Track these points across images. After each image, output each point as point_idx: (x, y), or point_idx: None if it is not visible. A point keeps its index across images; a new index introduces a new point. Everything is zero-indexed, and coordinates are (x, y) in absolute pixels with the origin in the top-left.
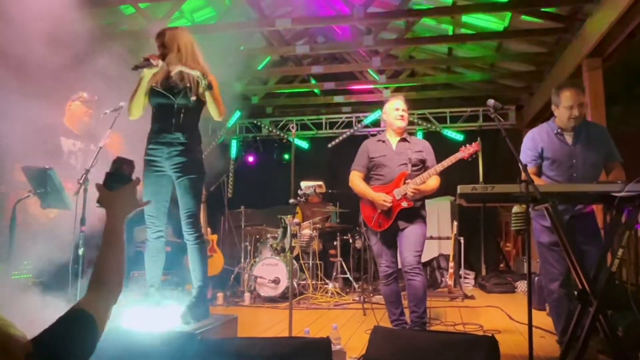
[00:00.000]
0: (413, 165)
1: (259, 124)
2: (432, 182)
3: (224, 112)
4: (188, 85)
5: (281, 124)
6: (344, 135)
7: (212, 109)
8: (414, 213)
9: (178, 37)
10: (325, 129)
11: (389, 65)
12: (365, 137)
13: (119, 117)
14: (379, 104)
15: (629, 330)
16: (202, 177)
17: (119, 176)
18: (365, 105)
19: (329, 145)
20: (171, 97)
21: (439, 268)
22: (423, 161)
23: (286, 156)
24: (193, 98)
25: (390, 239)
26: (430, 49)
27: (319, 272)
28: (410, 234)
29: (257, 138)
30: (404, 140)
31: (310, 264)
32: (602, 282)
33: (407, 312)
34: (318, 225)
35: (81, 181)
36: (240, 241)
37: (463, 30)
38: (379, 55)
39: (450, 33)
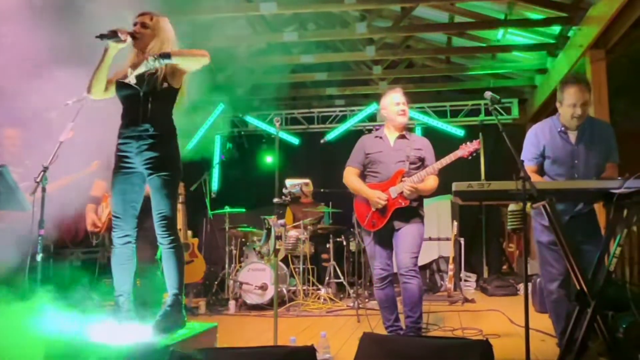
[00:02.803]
0: (411, 163)
1: (244, 118)
2: (430, 181)
3: (205, 53)
4: (154, 71)
5: (269, 117)
6: (338, 130)
7: (190, 63)
8: (411, 212)
9: (164, 30)
10: (317, 123)
11: (384, 55)
12: (361, 132)
13: (82, 109)
14: (375, 97)
15: (629, 331)
16: (177, 175)
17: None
18: (360, 97)
19: (321, 141)
20: (136, 85)
21: (439, 271)
22: (422, 159)
23: (266, 157)
24: (164, 85)
25: (385, 240)
26: (428, 37)
27: (310, 277)
28: (406, 234)
29: (242, 133)
30: (403, 137)
31: (301, 268)
32: (600, 282)
33: (402, 317)
34: (309, 227)
35: (38, 179)
36: (224, 245)
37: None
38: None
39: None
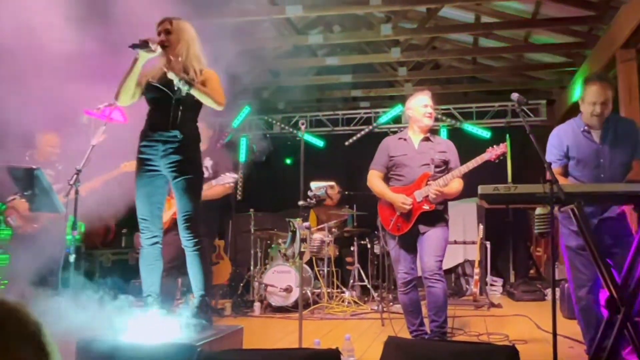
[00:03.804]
0: (436, 166)
1: (270, 120)
2: (455, 184)
3: (222, 100)
4: (187, 78)
5: (294, 120)
6: (362, 132)
7: (205, 102)
8: (436, 216)
9: (186, 30)
10: (342, 125)
11: (410, 56)
12: (385, 134)
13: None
14: (400, 99)
15: None
16: (200, 177)
17: None
18: (385, 99)
19: (346, 143)
20: (169, 92)
21: (464, 275)
22: (446, 162)
23: (288, 160)
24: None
25: (409, 244)
26: (454, 38)
27: (334, 280)
28: (431, 237)
29: (268, 135)
30: (427, 139)
31: (326, 271)
32: (631, 287)
33: (427, 321)
34: (334, 230)
35: (72, 182)
36: (249, 247)
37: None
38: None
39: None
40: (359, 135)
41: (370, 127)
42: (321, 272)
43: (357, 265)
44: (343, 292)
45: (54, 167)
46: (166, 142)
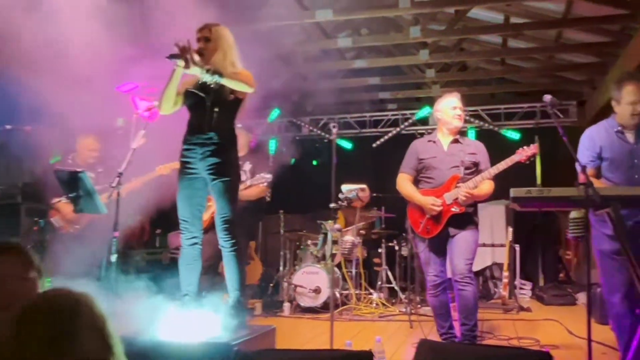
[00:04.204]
0: (466, 168)
1: (298, 122)
2: (486, 186)
3: (252, 83)
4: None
5: (322, 122)
6: (390, 134)
7: (237, 87)
8: (466, 219)
9: (225, 38)
10: (369, 127)
11: (438, 58)
12: (413, 136)
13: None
14: (427, 100)
15: None
16: (237, 180)
17: None
18: (413, 101)
19: (373, 145)
20: (203, 95)
21: (492, 278)
22: (476, 164)
23: (314, 162)
24: (231, 97)
25: (439, 246)
26: (482, 40)
27: (362, 282)
28: (461, 240)
29: (297, 138)
30: (456, 141)
31: (354, 272)
32: None
33: (456, 324)
34: (362, 232)
35: (114, 185)
36: (279, 248)
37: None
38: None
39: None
40: (386, 137)
41: (398, 129)
42: (349, 273)
43: (384, 267)
44: (370, 294)
45: (94, 169)
46: (204, 145)
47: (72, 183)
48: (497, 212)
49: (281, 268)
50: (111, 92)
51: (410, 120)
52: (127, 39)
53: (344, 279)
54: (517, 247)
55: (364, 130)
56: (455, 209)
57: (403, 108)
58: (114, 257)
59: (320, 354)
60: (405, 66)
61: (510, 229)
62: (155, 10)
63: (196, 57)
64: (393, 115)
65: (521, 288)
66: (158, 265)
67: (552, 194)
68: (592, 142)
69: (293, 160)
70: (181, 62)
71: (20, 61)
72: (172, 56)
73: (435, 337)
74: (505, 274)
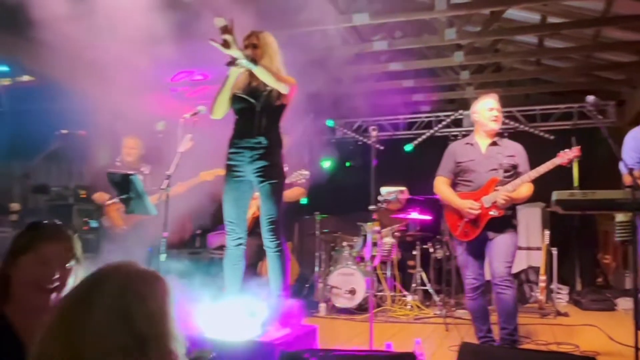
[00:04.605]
0: (504, 171)
1: (332, 125)
2: (525, 189)
3: (286, 81)
4: (269, 88)
5: (356, 124)
6: (424, 137)
7: (269, 82)
8: (505, 222)
9: (271, 44)
10: (403, 129)
11: (473, 60)
12: (446, 138)
13: (199, 121)
14: (461, 102)
15: None
16: (283, 182)
17: None
18: (446, 103)
19: (407, 148)
20: (253, 100)
21: (528, 281)
22: (515, 166)
23: (347, 164)
24: (278, 102)
25: (477, 249)
26: (518, 40)
27: (397, 284)
28: (500, 243)
29: (332, 140)
30: (494, 143)
31: (388, 274)
32: None
33: (494, 328)
34: (397, 234)
35: (163, 187)
36: (314, 249)
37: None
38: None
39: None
40: (419, 139)
41: (431, 131)
42: (384, 275)
43: (419, 269)
44: (405, 296)
45: (140, 171)
46: (252, 149)
47: (124, 185)
48: (532, 214)
49: (316, 269)
50: (154, 98)
51: (443, 122)
52: (171, 47)
53: (379, 281)
54: (555, 251)
55: (397, 133)
56: (493, 212)
57: (436, 110)
58: (163, 257)
59: (367, 355)
60: (439, 68)
61: (547, 232)
62: (197, 18)
63: (231, 40)
64: (427, 117)
65: (558, 292)
66: (198, 264)
67: (597, 197)
68: (636, 143)
69: (348, 163)
70: (234, 68)
71: (75, 69)
72: (229, 63)
73: (471, 340)
74: (542, 277)
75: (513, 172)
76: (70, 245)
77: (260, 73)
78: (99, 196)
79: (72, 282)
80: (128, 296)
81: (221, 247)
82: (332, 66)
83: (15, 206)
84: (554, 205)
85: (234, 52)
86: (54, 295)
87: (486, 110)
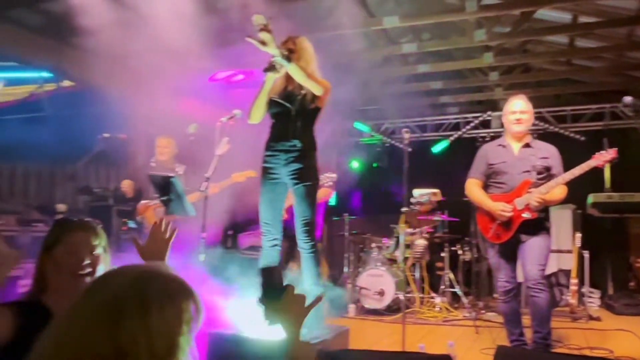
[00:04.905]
0: (538, 173)
1: (359, 127)
2: (558, 192)
3: (320, 84)
4: (304, 92)
5: (383, 126)
6: (451, 138)
7: (301, 80)
8: (537, 224)
9: (307, 49)
10: (430, 131)
11: (502, 61)
12: (474, 140)
13: (234, 125)
14: (489, 104)
15: None
16: (317, 184)
17: (271, 288)
18: (474, 105)
19: (434, 150)
20: (288, 105)
21: (558, 285)
22: (548, 168)
23: (374, 164)
24: (312, 105)
25: (509, 252)
26: (548, 40)
27: (424, 285)
28: (533, 246)
29: (360, 142)
30: (527, 145)
31: (417, 276)
32: None
33: (527, 331)
34: (425, 236)
35: (202, 189)
36: (343, 250)
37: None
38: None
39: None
40: (456, 134)
41: (459, 133)
42: (413, 276)
43: (447, 271)
44: (433, 298)
45: (174, 171)
46: (287, 152)
47: (164, 187)
48: (562, 217)
49: (345, 270)
50: (187, 101)
51: (472, 124)
52: (205, 52)
53: (407, 283)
54: (587, 254)
55: (424, 135)
56: (526, 215)
57: (464, 111)
58: (202, 257)
59: (403, 356)
60: (467, 69)
61: (579, 235)
62: (232, 24)
63: (283, 69)
64: (455, 119)
65: (589, 296)
66: (229, 264)
67: (636, 200)
68: None
69: (375, 165)
70: (270, 74)
71: (114, 74)
72: (266, 69)
73: (503, 343)
74: (574, 281)
75: (546, 174)
76: (95, 234)
77: (294, 70)
78: (127, 184)
79: (101, 269)
80: (129, 300)
81: (252, 248)
82: (361, 68)
83: (61, 207)
84: (590, 208)
85: (271, 50)
86: (87, 280)
87: (509, 113)
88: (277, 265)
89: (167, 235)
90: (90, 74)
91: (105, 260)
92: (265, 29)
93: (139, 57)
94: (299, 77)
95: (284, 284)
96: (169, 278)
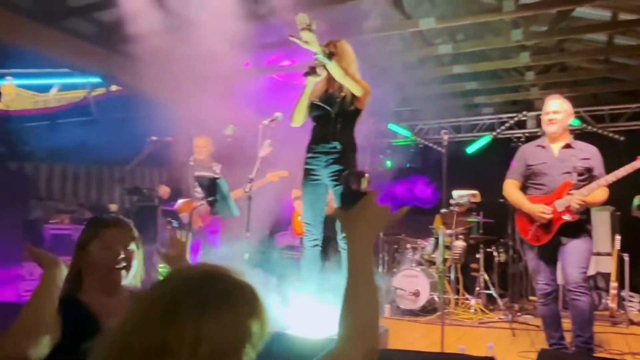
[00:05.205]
0: (579, 175)
1: (392, 128)
2: (600, 193)
3: (359, 84)
4: (343, 94)
5: (417, 127)
6: (486, 140)
7: (340, 78)
8: (578, 226)
9: (348, 52)
10: (464, 132)
11: (539, 60)
12: (509, 140)
13: (276, 127)
14: (525, 104)
15: None
16: None
17: (349, 193)
18: (509, 105)
19: (468, 150)
20: (328, 108)
21: (596, 288)
22: (590, 169)
23: (407, 165)
24: (352, 107)
25: (549, 254)
26: (586, 39)
27: (460, 287)
28: (574, 248)
29: (392, 143)
30: (568, 146)
31: (452, 277)
32: None
33: (567, 335)
34: (460, 237)
35: (247, 190)
36: (378, 251)
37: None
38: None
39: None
40: (500, 128)
41: (494, 133)
42: (448, 277)
43: (482, 272)
44: (467, 299)
45: (212, 170)
46: (328, 154)
47: (211, 188)
48: (601, 219)
49: (380, 270)
50: (227, 104)
51: (506, 124)
52: (246, 57)
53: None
54: (627, 257)
55: (458, 135)
56: (567, 217)
57: (499, 112)
58: (246, 256)
59: (444, 357)
60: (501, 69)
61: (618, 237)
62: (272, 29)
63: (324, 72)
64: (489, 119)
65: (629, 300)
66: (266, 263)
67: None
68: None
69: (408, 165)
70: (311, 77)
71: (159, 79)
72: (306, 74)
73: (541, 346)
74: (614, 284)
75: (587, 175)
76: (129, 229)
77: (334, 68)
78: (162, 190)
79: (136, 264)
80: (188, 296)
81: (289, 247)
82: (396, 70)
83: (113, 207)
84: (636, 211)
85: (314, 48)
86: (123, 274)
87: (543, 113)
88: (358, 170)
89: (184, 239)
90: (137, 79)
91: (138, 256)
92: (308, 28)
93: (183, 62)
94: (338, 75)
95: (364, 190)
96: (236, 283)
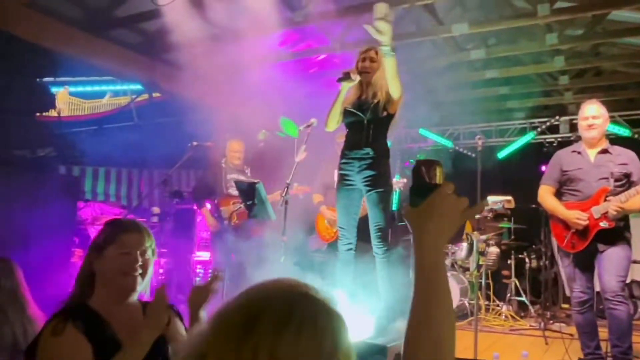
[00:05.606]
0: (616, 180)
1: (423, 133)
2: (639, 200)
3: (399, 87)
4: (376, 101)
5: (448, 132)
6: (519, 144)
7: (389, 75)
8: (616, 234)
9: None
10: (495, 137)
11: (573, 64)
12: (541, 145)
13: (311, 133)
14: (557, 108)
15: None
16: (390, 191)
17: (420, 186)
18: (541, 109)
19: (499, 155)
20: (361, 114)
21: (632, 297)
22: (628, 175)
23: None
24: (384, 113)
25: (585, 262)
26: (622, 42)
27: (490, 293)
28: (612, 256)
29: (425, 148)
30: (604, 151)
31: (483, 283)
32: None
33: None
34: (491, 242)
35: (283, 194)
36: (408, 255)
37: None
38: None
39: None
40: (514, 146)
41: (533, 134)
42: (479, 283)
43: (514, 279)
44: (498, 306)
45: (244, 172)
46: (361, 159)
47: (249, 192)
48: (636, 225)
49: (410, 274)
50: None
51: (539, 129)
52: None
53: (472, 290)
54: None
55: (490, 140)
56: (604, 224)
57: (530, 117)
58: (282, 259)
59: None
60: (534, 74)
61: None
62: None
63: (358, 77)
64: (520, 124)
65: None
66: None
67: None
68: None
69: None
70: (345, 83)
71: (201, 87)
72: (340, 79)
73: (575, 356)
74: None
75: (625, 181)
76: (148, 235)
77: (390, 63)
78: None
79: (151, 271)
80: (268, 311)
81: (319, 250)
82: (428, 75)
83: (156, 209)
84: None
85: (385, 39)
86: (138, 280)
87: (581, 118)
88: (429, 159)
89: (213, 291)
90: (178, 85)
91: (151, 264)
92: (385, 18)
93: (222, 70)
94: (392, 73)
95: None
96: (324, 309)
